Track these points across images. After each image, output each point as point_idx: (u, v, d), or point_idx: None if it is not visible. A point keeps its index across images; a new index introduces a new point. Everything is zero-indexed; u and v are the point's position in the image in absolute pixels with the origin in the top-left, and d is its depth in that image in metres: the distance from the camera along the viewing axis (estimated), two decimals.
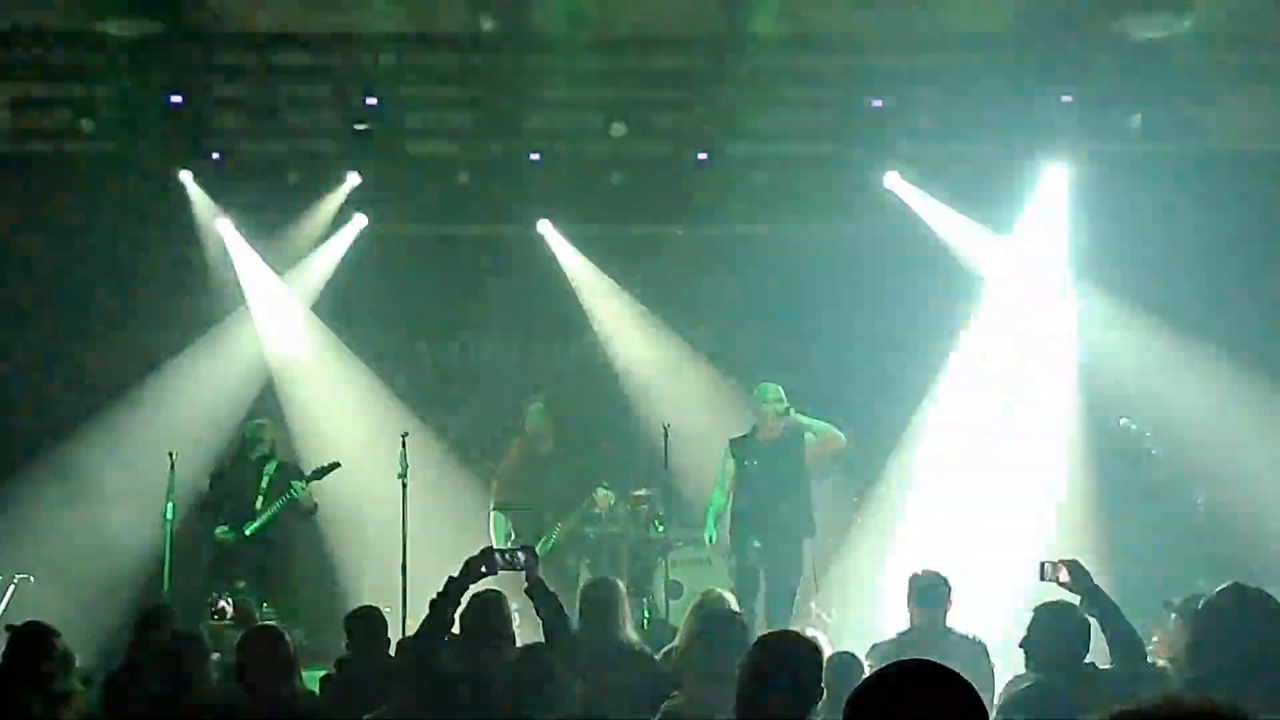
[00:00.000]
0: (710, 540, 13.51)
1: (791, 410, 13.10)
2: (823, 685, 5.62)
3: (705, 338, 16.53)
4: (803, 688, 5.54)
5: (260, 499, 13.66)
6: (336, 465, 13.80)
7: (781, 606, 12.79)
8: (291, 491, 13.56)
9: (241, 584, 12.98)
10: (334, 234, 16.06)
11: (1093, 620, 7.59)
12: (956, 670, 3.49)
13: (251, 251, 15.99)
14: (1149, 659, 7.85)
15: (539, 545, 13.53)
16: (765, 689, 5.49)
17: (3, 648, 8.16)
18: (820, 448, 13.33)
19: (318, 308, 16.35)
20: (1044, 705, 7.33)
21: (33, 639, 8.07)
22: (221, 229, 15.82)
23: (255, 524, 13.54)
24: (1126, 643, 7.52)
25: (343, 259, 16.18)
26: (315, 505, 13.91)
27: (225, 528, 13.56)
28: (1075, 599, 7.74)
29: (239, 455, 14.11)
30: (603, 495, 14.11)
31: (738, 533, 13.12)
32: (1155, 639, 8.96)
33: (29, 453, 15.41)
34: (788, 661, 5.60)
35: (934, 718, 3.36)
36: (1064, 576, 7.75)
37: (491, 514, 14.14)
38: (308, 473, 13.81)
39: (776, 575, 12.93)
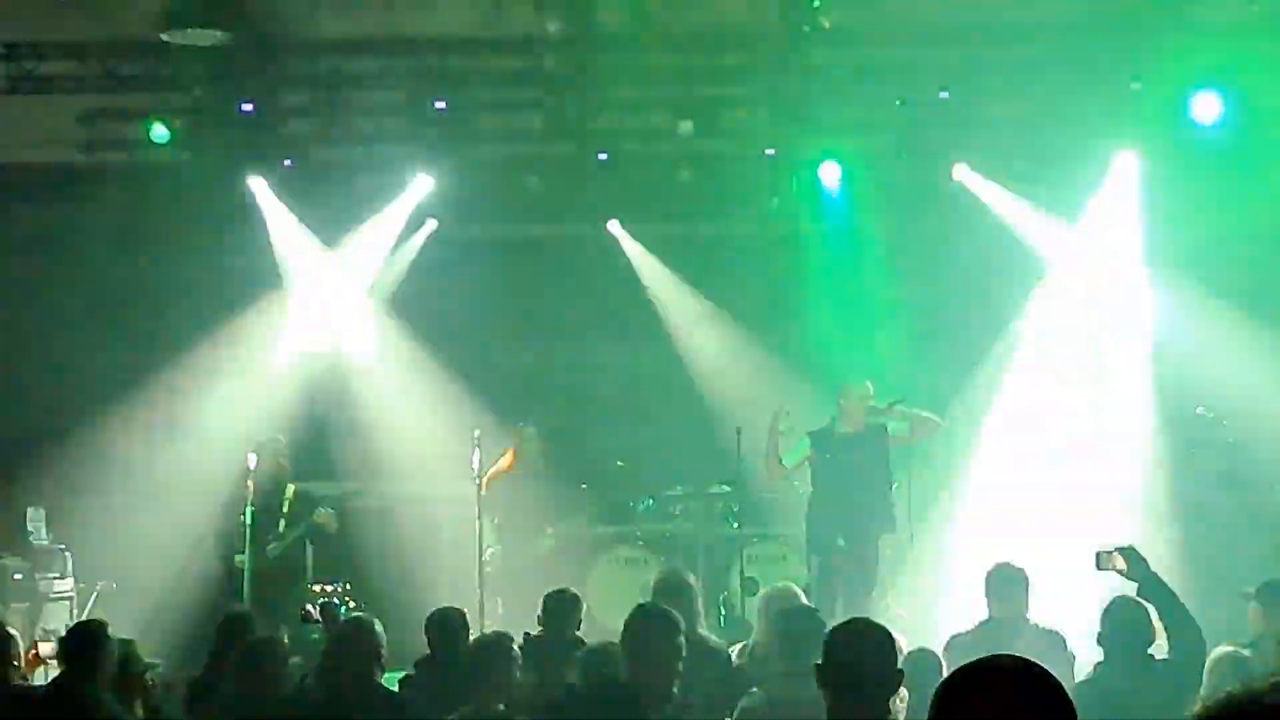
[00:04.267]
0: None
1: (902, 405, 12.85)
2: (900, 672, 5.58)
3: (777, 334, 16.50)
4: (879, 677, 5.51)
5: (282, 522, 13.42)
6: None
7: (857, 602, 12.71)
8: (315, 519, 13.41)
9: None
10: (405, 237, 16.14)
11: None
12: (1035, 659, 3.48)
13: (323, 256, 16.11)
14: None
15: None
16: (843, 682, 5.46)
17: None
18: (915, 433, 13.14)
19: (390, 310, 16.44)
20: (1103, 697, 7.33)
21: (86, 637, 8.19)
22: (294, 234, 15.94)
23: (278, 547, 13.33)
24: (1183, 630, 7.49)
25: (414, 261, 16.26)
26: (337, 528, 13.78)
27: (242, 554, 12.97)
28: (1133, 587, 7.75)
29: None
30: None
31: (818, 531, 12.94)
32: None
33: (108, 460, 15.56)
34: (861, 652, 5.56)
35: (1022, 713, 3.34)
36: (1120, 564, 7.73)
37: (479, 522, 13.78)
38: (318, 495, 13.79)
39: (853, 570, 12.84)
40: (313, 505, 13.53)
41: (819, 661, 5.48)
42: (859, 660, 5.44)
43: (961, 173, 15.30)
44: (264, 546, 13.05)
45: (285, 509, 13.37)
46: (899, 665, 5.63)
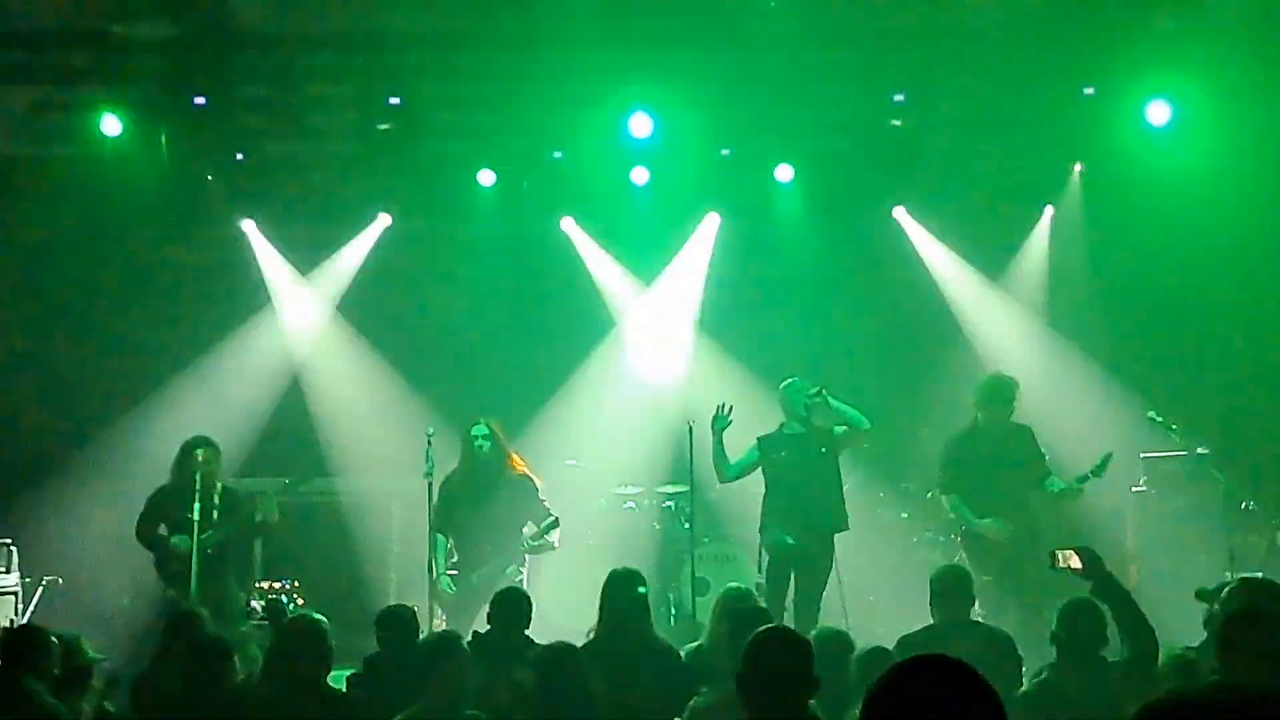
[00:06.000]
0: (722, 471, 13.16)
1: (825, 393, 12.87)
2: (817, 676, 5.65)
3: (731, 333, 16.51)
4: (793, 682, 5.58)
5: (215, 512, 12.90)
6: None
7: (810, 601, 12.72)
8: (260, 514, 12.95)
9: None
10: (357, 233, 16.08)
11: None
12: (983, 662, 3.51)
13: (275, 252, 16.03)
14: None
15: (475, 576, 12.99)
16: (758, 688, 5.57)
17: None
18: (848, 438, 13.15)
19: (342, 306, 16.38)
20: (1057, 697, 7.36)
21: (28, 638, 8.17)
22: (245, 230, 15.85)
23: (212, 535, 12.97)
24: (1137, 631, 7.53)
25: (367, 258, 16.19)
26: (278, 518, 13.34)
27: (181, 536, 12.70)
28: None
29: (181, 466, 13.20)
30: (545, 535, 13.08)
31: (770, 529, 12.95)
32: None
33: (56, 454, 15.46)
34: (776, 659, 5.65)
35: (949, 711, 3.37)
36: (1075, 564, 7.77)
37: (430, 534, 13.44)
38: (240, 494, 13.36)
39: (806, 569, 12.84)
40: (245, 500, 13.23)
41: (739, 670, 5.61)
42: (772, 668, 5.55)
43: (900, 214, 15.46)
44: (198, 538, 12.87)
45: (217, 501, 13.11)
46: (814, 672, 5.68)
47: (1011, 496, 12.63)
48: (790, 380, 13.10)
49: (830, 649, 8.59)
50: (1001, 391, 12.80)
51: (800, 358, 15.01)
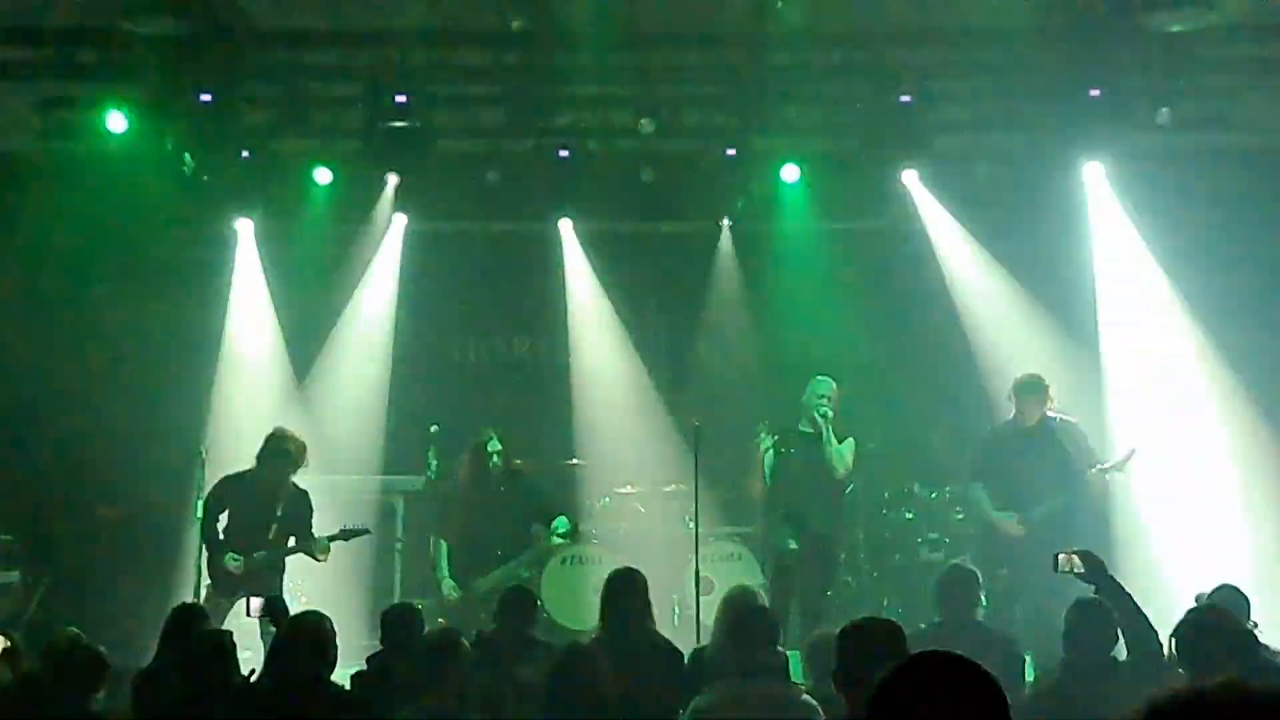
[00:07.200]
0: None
1: (829, 418, 12.86)
2: None
3: (735, 334, 16.50)
4: None
5: (274, 528, 12.88)
6: (366, 531, 13.34)
7: (814, 602, 12.74)
8: (311, 548, 12.87)
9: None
10: (368, 233, 16.08)
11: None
12: (986, 661, 3.52)
13: (278, 251, 16.01)
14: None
15: (482, 581, 13.01)
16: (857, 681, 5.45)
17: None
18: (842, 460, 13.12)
19: (350, 305, 16.34)
20: (1066, 697, 7.38)
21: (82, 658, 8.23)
22: (250, 228, 15.83)
23: (266, 556, 12.86)
24: (1139, 634, 7.54)
25: (379, 258, 16.17)
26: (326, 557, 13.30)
27: (234, 555, 12.64)
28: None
29: (257, 470, 13.02)
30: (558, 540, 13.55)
31: (774, 531, 12.95)
32: None
33: (55, 451, 15.45)
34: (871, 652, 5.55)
35: (954, 706, 3.38)
36: (1078, 567, 7.78)
37: (435, 540, 13.45)
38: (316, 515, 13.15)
39: (809, 571, 12.85)
40: (309, 513, 13.05)
41: (834, 667, 5.53)
42: (871, 659, 5.43)
43: (909, 179, 15.33)
44: (250, 549, 12.72)
45: (280, 512, 13.08)
46: None
47: (1040, 492, 12.65)
48: (819, 378, 13.08)
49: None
50: (1034, 389, 12.86)
51: (809, 361, 15.02)
